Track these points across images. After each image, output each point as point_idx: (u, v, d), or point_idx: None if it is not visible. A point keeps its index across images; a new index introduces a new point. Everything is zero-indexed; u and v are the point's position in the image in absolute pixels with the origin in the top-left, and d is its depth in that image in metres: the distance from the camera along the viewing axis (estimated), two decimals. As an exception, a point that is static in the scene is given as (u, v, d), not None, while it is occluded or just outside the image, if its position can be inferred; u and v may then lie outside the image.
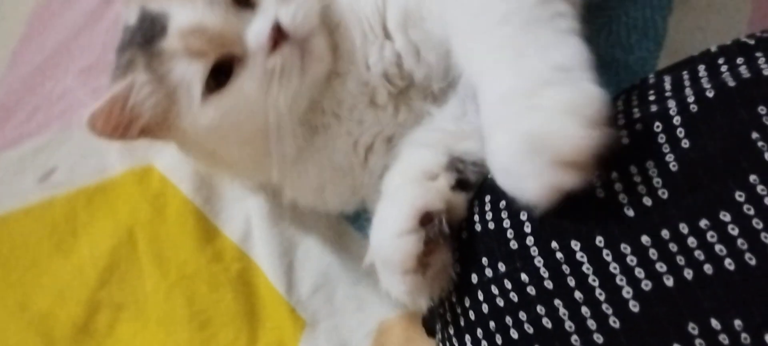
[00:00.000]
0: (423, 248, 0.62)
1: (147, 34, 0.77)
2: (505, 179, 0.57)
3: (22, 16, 1.16)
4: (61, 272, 1.00)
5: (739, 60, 0.61)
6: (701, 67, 0.62)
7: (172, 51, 0.75)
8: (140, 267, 0.97)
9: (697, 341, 0.50)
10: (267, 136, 0.76)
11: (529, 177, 0.55)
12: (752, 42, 0.63)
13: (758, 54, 0.61)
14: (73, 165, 1.05)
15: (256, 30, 0.74)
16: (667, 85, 0.63)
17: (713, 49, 0.65)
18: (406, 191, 0.67)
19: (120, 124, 0.78)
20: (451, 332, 0.63)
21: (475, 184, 0.69)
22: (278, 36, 0.73)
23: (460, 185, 0.69)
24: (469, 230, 0.63)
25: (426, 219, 0.64)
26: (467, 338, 0.61)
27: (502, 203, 0.61)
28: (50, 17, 1.16)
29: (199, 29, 0.75)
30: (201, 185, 0.98)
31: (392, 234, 0.64)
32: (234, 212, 0.98)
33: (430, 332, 0.76)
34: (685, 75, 0.62)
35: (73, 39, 1.13)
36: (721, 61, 0.62)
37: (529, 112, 0.56)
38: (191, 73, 0.75)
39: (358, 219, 0.92)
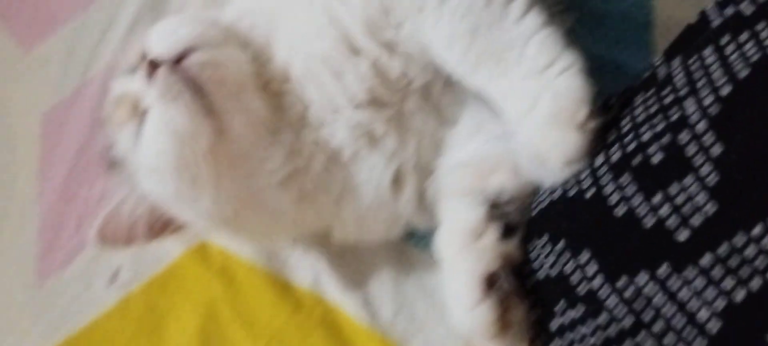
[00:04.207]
0: (499, 311, 0.66)
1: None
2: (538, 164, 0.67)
3: (34, 134, 1.18)
4: (161, 362, 1.06)
5: (743, 37, 0.61)
6: (707, 53, 0.62)
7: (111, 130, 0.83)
8: (230, 338, 1.02)
9: (782, 350, 0.54)
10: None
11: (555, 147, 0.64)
12: (749, 11, 0.62)
13: (759, 27, 0.61)
14: (134, 260, 1.09)
15: (137, 74, 0.79)
16: (679, 82, 0.63)
17: (713, 20, 0.65)
18: (461, 262, 0.70)
19: (123, 233, 0.85)
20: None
21: (520, 222, 0.72)
22: (152, 66, 0.76)
23: (507, 231, 0.72)
24: (536, 275, 0.66)
25: (490, 282, 0.68)
26: (563, 379, 0.65)
27: (561, 244, 0.64)
28: (60, 127, 1.17)
29: (112, 101, 0.83)
30: (259, 246, 1.02)
31: (467, 309, 0.68)
32: (298, 260, 1.01)
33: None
34: (695, 66, 0.63)
35: (88, 142, 1.15)
36: (725, 41, 0.62)
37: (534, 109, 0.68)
38: (124, 137, 0.82)
39: (413, 236, 0.95)
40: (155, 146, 0.77)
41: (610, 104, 0.72)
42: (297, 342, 1.00)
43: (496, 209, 0.73)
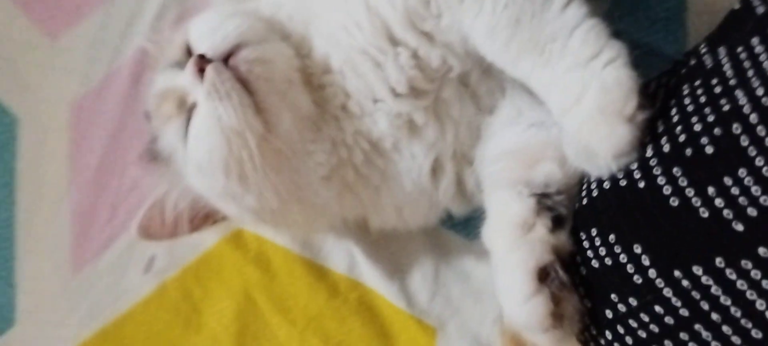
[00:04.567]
0: (552, 304, 0.67)
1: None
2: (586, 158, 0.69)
3: (63, 125, 1.18)
4: (199, 347, 1.08)
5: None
6: (755, 41, 0.63)
7: (155, 127, 0.85)
8: (267, 323, 1.04)
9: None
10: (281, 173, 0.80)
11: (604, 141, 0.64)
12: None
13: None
14: (169, 248, 1.10)
15: (186, 70, 0.79)
16: (728, 71, 0.64)
17: (758, 7, 0.66)
18: (514, 256, 0.71)
19: (166, 227, 0.87)
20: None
21: (568, 214, 0.73)
22: (201, 63, 0.77)
23: (557, 222, 0.73)
24: (586, 266, 0.68)
25: (543, 275, 0.69)
26: (618, 367, 0.67)
27: (612, 237, 0.65)
28: (88, 117, 1.17)
29: (157, 95, 0.84)
30: (297, 236, 1.03)
31: (520, 302, 0.69)
32: (333, 246, 1.03)
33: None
34: (744, 55, 0.63)
35: (118, 131, 1.16)
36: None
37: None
38: (171, 134, 0.83)
39: (449, 220, 0.96)
40: (204, 144, 0.77)
41: (649, 91, 0.73)
42: (334, 326, 1.02)
43: (544, 200, 0.74)
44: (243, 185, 0.78)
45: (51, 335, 1.11)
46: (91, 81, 1.19)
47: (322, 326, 1.02)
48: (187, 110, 0.80)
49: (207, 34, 0.77)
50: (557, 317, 0.68)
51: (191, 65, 0.77)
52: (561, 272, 0.69)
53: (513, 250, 0.72)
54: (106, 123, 1.16)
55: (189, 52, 0.80)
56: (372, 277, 1.01)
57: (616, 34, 0.72)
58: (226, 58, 0.76)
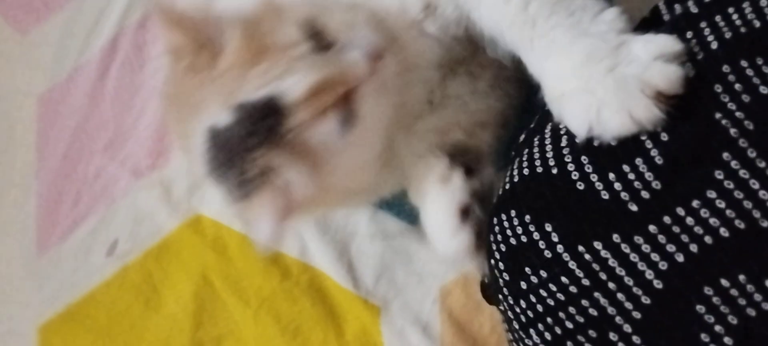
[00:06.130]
0: (474, 237, 0.81)
1: (265, 125, 0.74)
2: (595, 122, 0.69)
3: (31, 116, 1.24)
4: (158, 326, 1.14)
5: (688, 35, 0.70)
6: None
7: (301, 122, 0.74)
8: (224, 303, 1.11)
9: (714, 299, 0.63)
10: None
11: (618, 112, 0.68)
12: (695, 9, 0.72)
13: (702, 25, 0.70)
14: (131, 233, 1.17)
15: (357, 58, 0.77)
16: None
17: (665, 15, 0.75)
18: (439, 203, 0.83)
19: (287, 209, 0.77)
20: (516, 327, 0.77)
21: (477, 165, 0.85)
22: (371, 58, 0.77)
23: (469, 172, 0.84)
24: (505, 243, 0.76)
25: (464, 214, 0.82)
26: (531, 331, 0.75)
27: (528, 217, 0.73)
28: (56, 108, 1.24)
29: (318, 87, 0.74)
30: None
31: (448, 239, 0.82)
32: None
33: (488, 299, 0.90)
34: None
35: (84, 122, 1.22)
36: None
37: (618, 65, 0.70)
38: (328, 128, 0.76)
39: (394, 206, 1.05)
40: (369, 139, 0.81)
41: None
42: (287, 307, 1.09)
43: (457, 157, 0.85)
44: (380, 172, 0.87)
45: (16, 315, 1.17)
46: (58, 75, 1.26)
47: (275, 307, 1.09)
48: (348, 103, 0.76)
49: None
50: (480, 247, 0.80)
51: (367, 52, 0.77)
52: (479, 210, 0.82)
53: (437, 199, 0.83)
54: (73, 115, 1.23)
55: (315, 36, 0.77)
56: (322, 260, 1.08)
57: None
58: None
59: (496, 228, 0.77)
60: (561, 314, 0.72)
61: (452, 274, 1.02)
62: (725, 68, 0.67)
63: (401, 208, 1.04)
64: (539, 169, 0.74)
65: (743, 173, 0.64)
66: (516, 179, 0.77)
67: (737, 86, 0.66)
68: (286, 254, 1.10)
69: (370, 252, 1.08)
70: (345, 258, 1.07)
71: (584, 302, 0.70)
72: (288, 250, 1.10)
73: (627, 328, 0.67)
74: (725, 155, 0.64)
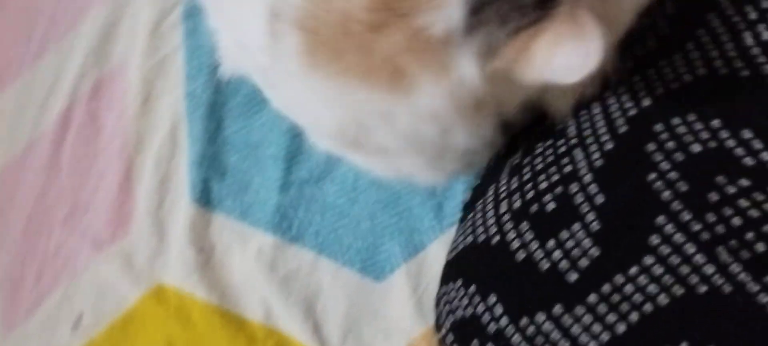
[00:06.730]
0: None
1: None
2: None
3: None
4: (129, 398, 1.13)
5: (621, 89, 0.69)
6: (594, 106, 0.70)
7: None
8: (190, 374, 1.09)
9: (658, 371, 0.62)
10: None
11: None
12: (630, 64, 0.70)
13: (635, 79, 0.69)
14: (94, 306, 1.15)
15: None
16: (571, 133, 0.71)
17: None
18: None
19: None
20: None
21: None
22: None
23: None
24: (453, 313, 0.74)
25: None
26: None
27: (472, 288, 0.72)
28: (13, 182, 1.22)
29: None
30: (211, 285, 1.09)
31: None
32: (249, 296, 1.09)
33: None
34: (584, 118, 0.71)
35: (42, 196, 1.21)
36: (607, 94, 0.70)
37: None
38: None
39: (358, 262, 1.04)
40: None
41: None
42: (253, 373, 1.07)
43: None
44: None
45: (-15, 397, 1.16)
46: (14, 149, 1.24)
47: (242, 374, 1.08)
48: None
49: None
50: None
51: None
52: None
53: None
54: (31, 189, 1.21)
55: None
56: (287, 323, 1.06)
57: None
58: None
59: (444, 298, 0.76)
60: (511, 390, 0.70)
61: (419, 328, 1.00)
62: (658, 127, 0.66)
63: (368, 261, 1.04)
64: (482, 238, 0.73)
65: (679, 237, 0.62)
66: (460, 248, 0.76)
67: (669, 145, 0.65)
68: (250, 320, 1.08)
69: (336, 310, 1.06)
70: (310, 319, 1.06)
71: (528, 376, 0.68)
72: (252, 315, 1.08)
73: (573, 403, 0.65)
74: (659, 219, 0.63)
